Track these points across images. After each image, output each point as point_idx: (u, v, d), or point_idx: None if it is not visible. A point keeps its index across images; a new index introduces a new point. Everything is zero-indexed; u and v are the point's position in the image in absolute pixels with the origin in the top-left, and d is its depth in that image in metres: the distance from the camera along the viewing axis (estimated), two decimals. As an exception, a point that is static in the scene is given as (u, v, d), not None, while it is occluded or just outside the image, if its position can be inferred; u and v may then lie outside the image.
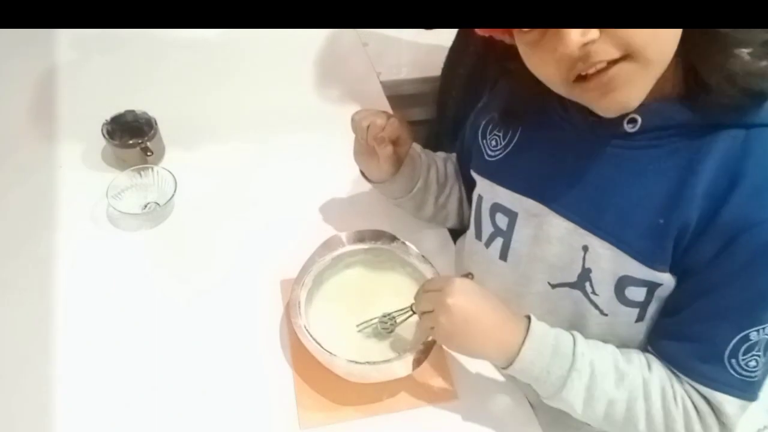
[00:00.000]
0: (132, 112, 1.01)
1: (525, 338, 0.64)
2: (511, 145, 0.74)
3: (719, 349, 0.60)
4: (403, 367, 0.72)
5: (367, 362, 0.72)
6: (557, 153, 0.68)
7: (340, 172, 1.00)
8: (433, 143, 1.21)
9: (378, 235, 0.86)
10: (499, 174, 0.75)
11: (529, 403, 0.77)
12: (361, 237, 0.85)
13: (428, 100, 1.30)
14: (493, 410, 0.76)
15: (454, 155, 0.93)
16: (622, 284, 0.64)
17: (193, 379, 0.77)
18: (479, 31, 0.60)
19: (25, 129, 1.06)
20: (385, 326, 0.78)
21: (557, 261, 0.69)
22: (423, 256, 0.83)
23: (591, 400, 0.63)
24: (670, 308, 0.65)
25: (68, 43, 1.23)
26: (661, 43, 0.53)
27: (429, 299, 0.69)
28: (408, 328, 0.79)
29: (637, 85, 0.55)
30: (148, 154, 0.98)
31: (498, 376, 0.79)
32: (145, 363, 0.78)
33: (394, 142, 0.82)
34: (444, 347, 0.74)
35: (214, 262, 0.89)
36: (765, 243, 0.56)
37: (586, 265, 0.66)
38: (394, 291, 0.84)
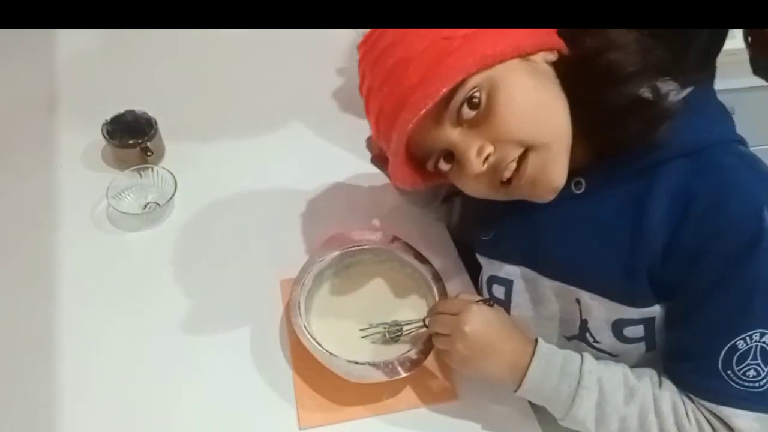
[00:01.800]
0: (132, 112, 1.00)
1: (533, 357, 0.65)
2: (499, 226, 0.76)
3: (713, 363, 0.60)
4: (402, 367, 0.72)
5: (367, 362, 0.72)
6: (530, 221, 0.71)
7: (341, 172, 1.00)
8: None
9: (378, 235, 0.85)
10: (493, 251, 0.77)
11: (530, 403, 0.77)
12: (361, 237, 0.85)
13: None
14: (493, 410, 0.76)
15: None
16: (618, 327, 0.66)
17: (193, 379, 0.77)
18: (398, 185, 0.69)
19: (25, 129, 1.06)
20: (392, 335, 0.78)
21: (563, 314, 0.71)
22: (423, 256, 0.83)
23: (603, 418, 0.63)
24: (668, 328, 0.66)
25: (68, 43, 1.23)
26: (544, 126, 0.60)
27: (445, 323, 0.69)
28: (413, 333, 0.79)
29: (553, 165, 0.61)
30: (148, 154, 0.98)
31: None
32: (145, 363, 0.78)
33: None
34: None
35: (213, 262, 0.89)
36: (729, 254, 0.58)
37: (583, 317, 0.68)
38: (394, 291, 0.84)
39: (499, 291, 0.76)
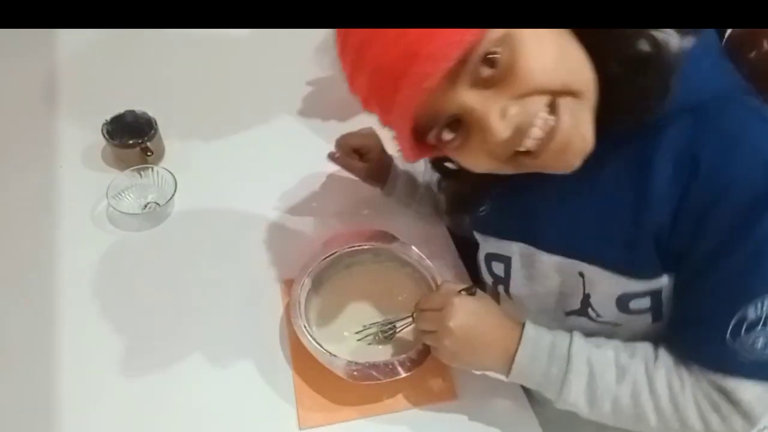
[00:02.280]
0: (132, 112, 1.00)
1: (519, 343, 0.65)
2: (493, 198, 0.74)
3: (720, 330, 0.57)
4: (402, 367, 0.72)
5: (367, 362, 0.72)
6: (529, 194, 0.67)
7: (341, 173, 1.00)
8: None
9: (378, 235, 0.86)
10: (489, 225, 0.75)
11: (529, 400, 0.77)
12: (361, 237, 0.85)
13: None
14: (493, 410, 0.76)
15: None
16: (623, 300, 0.64)
17: (193, 379, 0.77)
18: (404, 154, 0.59)
19: (26, 129, 1.06)
20: (386, 334, 0.78)
21: (563, 288, 0.69)
22: (423, 256, 0.83)
23: (594, 399, 0.63)
24: (674, 296, 0.63)
25: (68, 43, 1.23)
26: (576, 72, 0.53)
27: (429, 319, 0.69)
28: (408, 329, 0.79)
29: (586, 123, 0.54)
30: (148, 154, 0.98)
31: (498, 375, 0.79)
32: (145, 363, 0.78)
33: (360, 153, 0.92)
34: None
35: (214, 262, 0.89)
36: (738, 212, 0.54)
37: (586, 291, 0.66)
38: (394, 291, 0.84)
39: (498, 268, 0.74)
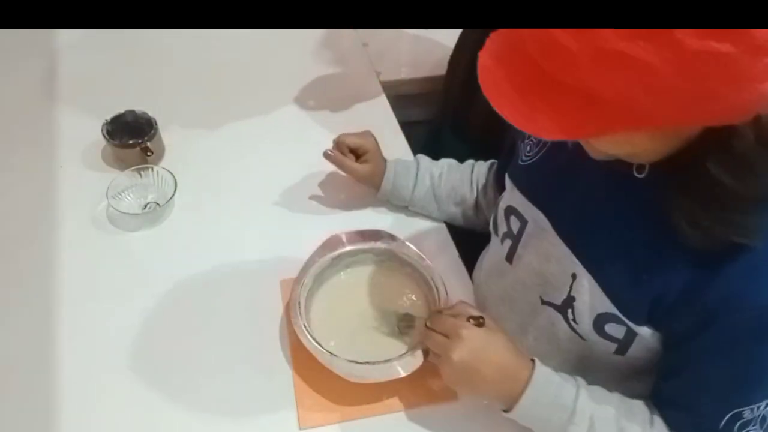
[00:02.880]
0: (132, 112, 1.00)
1: (525, 388, 0.63)
2: (540, 154, 0.74)
3: (713, 424, 0.59)
4: (402, 367, 0.72)
5: (367, 362, 0.72)
6: (572, 175, 0.67)
7: (340, 173, 1.00)
8: (433, 143, 1.21)
9: (378, 235, 0.86)
10: (522, 179, 0.75)
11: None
12: (361, 237, 0.85)
13: (428, 100, 1.30)
14: (493, 410, 0.76)
15: (472, 162, 0.96)
16: (601, 320, 0.65)
17: (193, 379, 0.77)
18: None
19: (26, 129, 1.06)
20: (403, 328, 0.78)
21: (552, 279, 0.70)
22: (423, 256, 0.83)
23: None
24: (666, 372, 0.64)
25: (68, 43, 1.23)
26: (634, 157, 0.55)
27: (436, 342, 0.68)
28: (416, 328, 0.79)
29: (603, 155, 0.56)
30: (148, 154, 0.98)
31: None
32: (145, 362, 0.78)
33: (357, 154, 0.93)
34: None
35: (213, 262, 0.89)
36: (749, 328, 0.55)
37: (572, 293, 0.67)
38: (393, 291, 0.84)
39: (515, 225, 0.74)
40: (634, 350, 0.64)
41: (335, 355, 0.72)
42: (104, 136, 0.97)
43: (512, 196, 0.76)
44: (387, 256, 0.85)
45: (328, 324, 0.79)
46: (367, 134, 0.94)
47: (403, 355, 0.73)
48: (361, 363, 0.72)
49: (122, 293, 0.85)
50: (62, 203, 0.95)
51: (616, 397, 0.66)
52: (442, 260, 0.89)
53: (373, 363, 0.72)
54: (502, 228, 0.78)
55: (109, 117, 0.99)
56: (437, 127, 1.26)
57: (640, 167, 0.59)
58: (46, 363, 0.77)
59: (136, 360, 0.78)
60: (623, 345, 0.65)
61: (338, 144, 0.93)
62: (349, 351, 0.74)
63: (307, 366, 0.75)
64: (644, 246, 0.60)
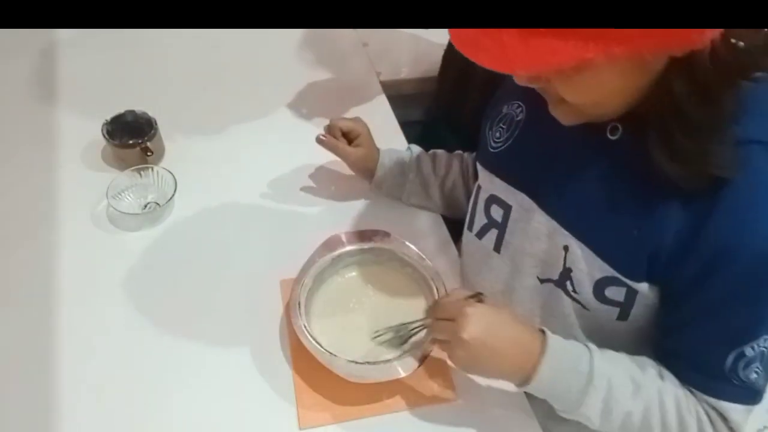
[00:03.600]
0: (132, 112, 1.01)
1: (542, 358, 0.63)
2: (513, 138, 0.75)
3: (718, 367, 0.61)
4: (403, 367, 0.72)
5: (367, 362, 0.72)
6: (550, 151, 0.69)
7: (340, 173, 1.00)
8: (429, 142, 1.21)
9: (378, 235, 0.86)
10: (498, 166, 0.76)
11: (529, 402, 0.77)
12: (361, 237, 0.85)
13: (428, 99, 1.30)
14: (493, 410, 0.76)
15: (461, 153, 0.97)
16: (600, 285, 0.65)
17: (193, 379, 0.77)
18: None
19: (26, 129, 1.06)
20: (401, 339, 0.77)
21: (546, 257, 0.70)
22: (423, 256, 0.83)
23: (608, 413, 0.63)
24: (667, 328, 0.65)
25: (68, 43, 1.23)
26: (601, 107, 0.58)
27: (443, 329, 0.67)
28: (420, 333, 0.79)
29: (570, 116, 0.60)
30: (148, 154, 0.98)
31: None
32: (145, 363, 0.78)
33: (349, 138, 0.93)
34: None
35: (213, 262, 0.89)
36: (747, 271, 0.56)
37: (567, 265, 0.67)
38: (394, 291, 0.84)
39: (497, 213, 0.75)
40: (636, 311, 0.65)
41: (335, 355, 0.72)
42: (104, 136, 0.97)
43: (492, 185, 0.76)
44: (387, 257, 0.85)
45: (328, 324, 0.79)
46: (359, 119, 0.95)
47: (403, 355, 0.73)
48: (361, 363, 0.72)
49: (122, 293, 0.85)
50: (62, 203, 0.95)
51: (625, 356, 0.67)
52: (442, 260, 0.89)
53: (373, 363, 0.72)
54: (481, 221, 0.79)
55: (109, 117, 0.99)
56: (431, 124, 1.26)
57: (614, 129, 0.62)
58: (45, 362, 0.77)
59: (135, 359, 0.78)
60: (625, 308, 0.65)
61: (330, 128, 0.93)
62: (349, 351, 0.74)
63: (307, 366, 0.75)
64: (630, 203, 0.61)
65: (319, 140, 0.93)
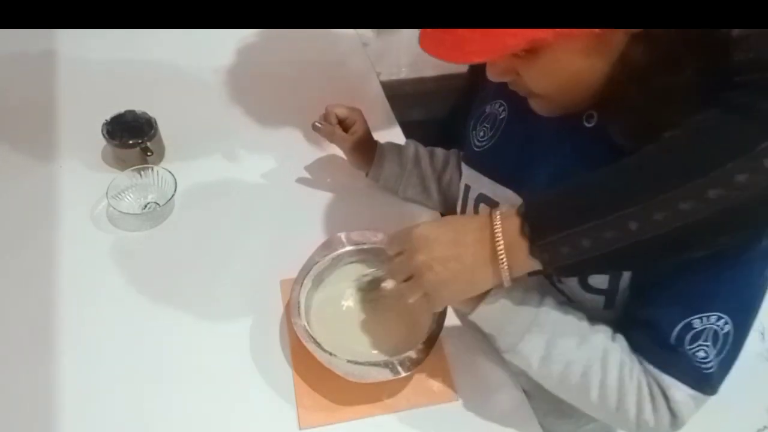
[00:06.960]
0: (132, 112, 1.00)
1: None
2: (497, 136, 0.76)
3: (666, 334, 0.60)
4: (402, 367, 0.72)
5: (367, 362, 0.72)
6: (532, 146, 0.70)
7: (340, 173, 1.00)
8: (434, 142, 1.21)
9: (378, 235, 0.85)
10: (484, 164, 0.77)
11: (525, 392, 0.77)
12: (361, 237, 0.85)
13: (428, 99, 1.30)
14: (493, 410, 0.76)
15: (457, 150, 0.97)
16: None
17: (193, 379, 0.77)
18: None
19: (26, 129, 1.06)
20: (370, 292, 0.78)
21: None
22: (423, 256, 0.83)
23: (549, 358, 0.63)
24: (632, 294, 0.65)
25: (68, 43, 1.23)
26: (567, 95, 0.59)
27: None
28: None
29: (545, 106, 0.62)
30: (148, 154, 0.98)
31: (497, 376, 0.79)
32: (145, 363, 0.78)
33: (346, 126, 0.94)
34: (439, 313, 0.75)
35: (213, 262, 0.89)
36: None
37: None
38: (393, 291, 0.84)
39: (486, 211, 0.74)
40: (622, 298, 0.65)
41: (335, 355, 0.72)
42: (104, 136, 0.97)
43: (479, 183, 0.77)
44: (387, 256, 0.85)
45: (328, 324, 0.79)
46: (355, 108, 0.95)
47: (403, 355, 0.73)
48: (360, 363, 0.72)
49: (122, 293, 0.85)
50: (62, 203, 0.95)
51: (581, 312, 0.66)
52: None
53: (373, 363, 0.72)
54: None
55: (109, 117, 0.99)
56: (431, 124, 1.25)
57: (589, 116, 0.63)
58: (45, 363, 0.77)
59: (135, 360, 0.78)
60: (610, 295, 0.65)
61: (327, 114, 0.94)
62: (349, 351, 0.74)
63: (307, 366, 0.75)
64: None
65: (315, 127, 0.93)
